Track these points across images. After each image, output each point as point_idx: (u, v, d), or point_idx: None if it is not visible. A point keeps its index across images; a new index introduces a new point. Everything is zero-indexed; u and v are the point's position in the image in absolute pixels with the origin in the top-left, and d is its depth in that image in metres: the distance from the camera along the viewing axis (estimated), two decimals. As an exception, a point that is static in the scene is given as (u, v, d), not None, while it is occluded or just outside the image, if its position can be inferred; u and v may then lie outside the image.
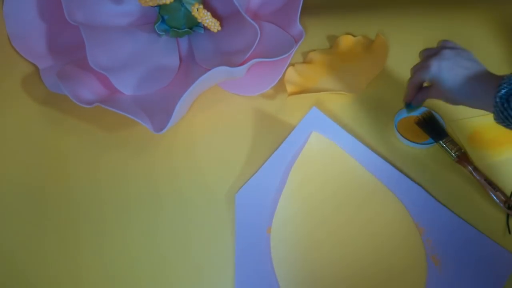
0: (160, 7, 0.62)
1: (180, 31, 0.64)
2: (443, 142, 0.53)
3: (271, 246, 0.47)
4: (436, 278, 0.45)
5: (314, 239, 0.48)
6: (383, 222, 0.49)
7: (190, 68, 0.63)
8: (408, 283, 0.45)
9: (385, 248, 0.47)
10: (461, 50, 0.46)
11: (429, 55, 0.47)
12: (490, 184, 0.50)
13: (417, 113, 0.58)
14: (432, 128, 0.55)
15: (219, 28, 0.60)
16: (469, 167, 0.51)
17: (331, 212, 0.50)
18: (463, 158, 0.52)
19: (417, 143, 0.55)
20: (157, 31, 0.64)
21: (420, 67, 0.48)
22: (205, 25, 0.59)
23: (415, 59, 0.66)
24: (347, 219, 0.49)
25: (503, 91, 0.40)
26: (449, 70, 0.44)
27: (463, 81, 0.43)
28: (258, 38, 0.57)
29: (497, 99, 0.40)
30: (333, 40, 0.70)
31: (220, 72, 0.53)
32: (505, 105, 0.39)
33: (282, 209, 0.50)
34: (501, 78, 0.41)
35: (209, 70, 0.51)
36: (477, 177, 0.51)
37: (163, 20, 0.63)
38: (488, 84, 0.42)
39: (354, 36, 0.69)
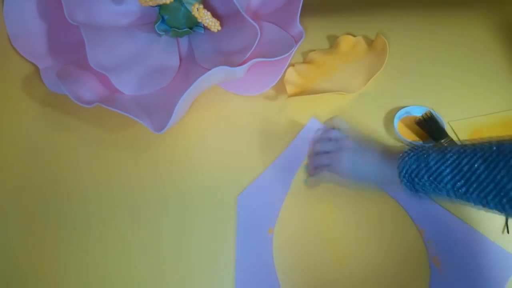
0: (160, 7, 0.62)
1: (180, 31, 0.64)
2: (443, 142, 0.53)
3: (273, 248, 0.47)
4: (437, 279, 0.45)
5: (316, 242, 0.48)
6: (383, 225, 0.49)
7: (190, 68, 0.63)
8: (411, 285, 0.45)
9: (386, 251, 0.47)
10: (358, 139, 0.48)
11: (330, 148, 0.48)
12: (490, 184, 0.50)
13: (417, 113, 0.58)
14: (432, 128, 0.55)
15: (219, 28, 0.60)
16: (469, 167, 0.51)
17: (332, 216, 0.50)
18: (463, 158, 0.52)
19: (417, 143, 0.55)
20: (157, 31, 0.64)
21: (324, 158, 0.48)
22: (205, 25, 0.59)
23: (415, 59, 0.66)
24: (348, 223, 0.49)
25: (404, 171, 0.41)
26: (355, 164, 0.45)
27: (369, 170, 0.45)
28: (258, 38, 0.57)
29: (402, 179, 0.42)
30: (333, 40, 0.70)
31: (220, 72, 0.53)
32: (410, 183, 0.41)
33: (286, 212, 0.50)
34: (398, 157, 0.42)
35: (209, 70, 0.51)
36: (477, 177, 0.51)
37: (163, 20, 0.63)
38: (391, 169, 0.43)
39: (354, 36, 0.69)
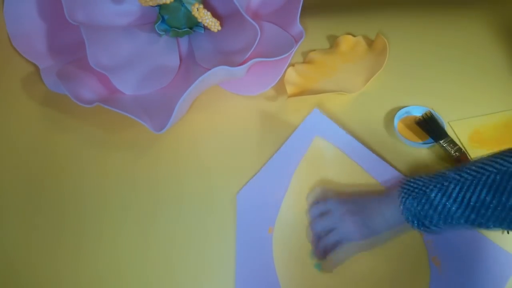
0: (160, 6, 0.62)
1: (180, 31, 0.64)
2: (443, 142, 0.53)
3: (273, 246, 0.47)
4: (437, 279, 0.45)
5: None
6: None
7: (190, 68, 0.63)
8: (411, 285, 0.45)
9: (386, 251, 0.47)
10: (349, 199, 0.47)
11: (327, 224, 0.46)
12: (490, 184, 0.50)
13: (417, 113, 0.58)
14: (432, 128, 0.55)
15: (219, 27, 0.60)
16: (469, 167, 0.51)
17: None
18: (463, 158, 0.52)
19: (417, 143, 0.55)
20: (157, 31, 0.64)
21: (329, 237, 0.45)
22: (205, 24, 0.59)
23: (415, 59, 0.66)
24: None
25: (410, 218, 0.41)
26: (364, 224, 0.44)
27: (380, 221, 0.43)
28: (258, 38, 0.57)
29: (413, 225, 0.41)
30: (333, 40, 0.70)
31: (220, 72, 0.53)
32: (422, 226, 0.41)
33: (286, 210, 0.50)
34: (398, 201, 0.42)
35: (209, 70, 0.51)
36: (477, 177, 0.51)
37: (163, 20, 0.63)
38: (398, 214, 0.42)
39: (354, 36, 0.69)
